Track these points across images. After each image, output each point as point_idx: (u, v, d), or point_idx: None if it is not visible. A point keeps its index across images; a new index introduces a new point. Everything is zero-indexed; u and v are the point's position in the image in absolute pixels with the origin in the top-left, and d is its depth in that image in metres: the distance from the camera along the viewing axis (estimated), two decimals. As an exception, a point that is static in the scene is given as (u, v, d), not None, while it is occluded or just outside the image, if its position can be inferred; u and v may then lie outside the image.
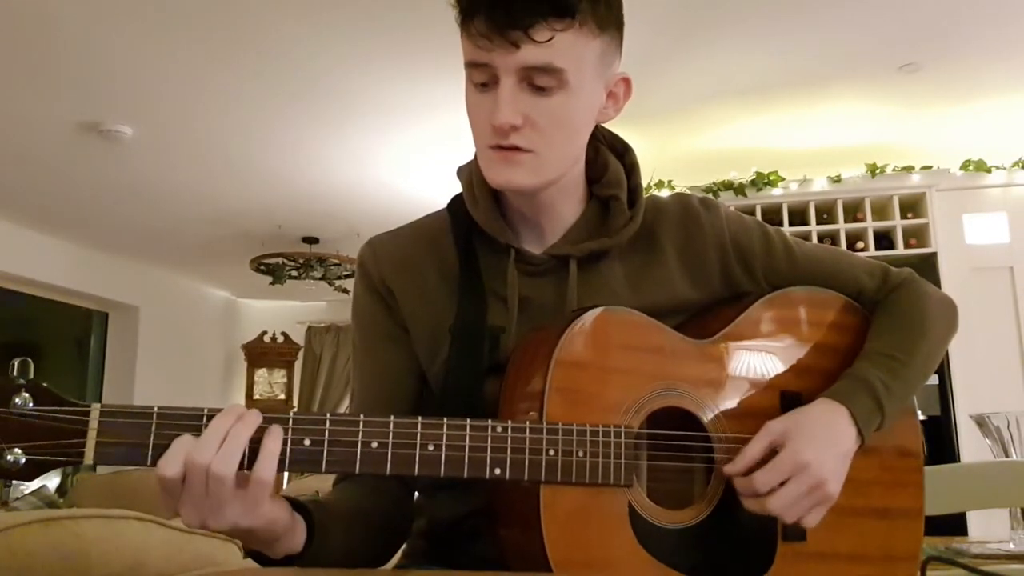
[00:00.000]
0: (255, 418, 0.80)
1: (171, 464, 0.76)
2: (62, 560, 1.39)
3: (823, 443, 0.94)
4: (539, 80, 0.93)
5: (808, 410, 0.97)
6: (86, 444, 0.76)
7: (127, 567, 1.52)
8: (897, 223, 4.39)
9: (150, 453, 0.77)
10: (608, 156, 1.10)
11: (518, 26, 0.89)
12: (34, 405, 0.75)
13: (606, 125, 1.13)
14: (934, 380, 4.16)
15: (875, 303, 1.12)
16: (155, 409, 0.78)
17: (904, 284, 1.13)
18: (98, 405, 0.76)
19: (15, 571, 1.28)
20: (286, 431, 0.81)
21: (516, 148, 0.95)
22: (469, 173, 1.08)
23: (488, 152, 0.97)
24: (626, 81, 1.04)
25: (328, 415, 0.83)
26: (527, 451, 0.86)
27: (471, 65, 0.95)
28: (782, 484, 0.91)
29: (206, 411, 0.79)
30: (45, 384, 0.77)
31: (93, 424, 0.76)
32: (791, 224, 4.47)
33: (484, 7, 0.91)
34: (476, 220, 1.06)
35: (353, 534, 0.95)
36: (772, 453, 0.94)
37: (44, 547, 1.36)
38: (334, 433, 0.82)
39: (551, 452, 0.87)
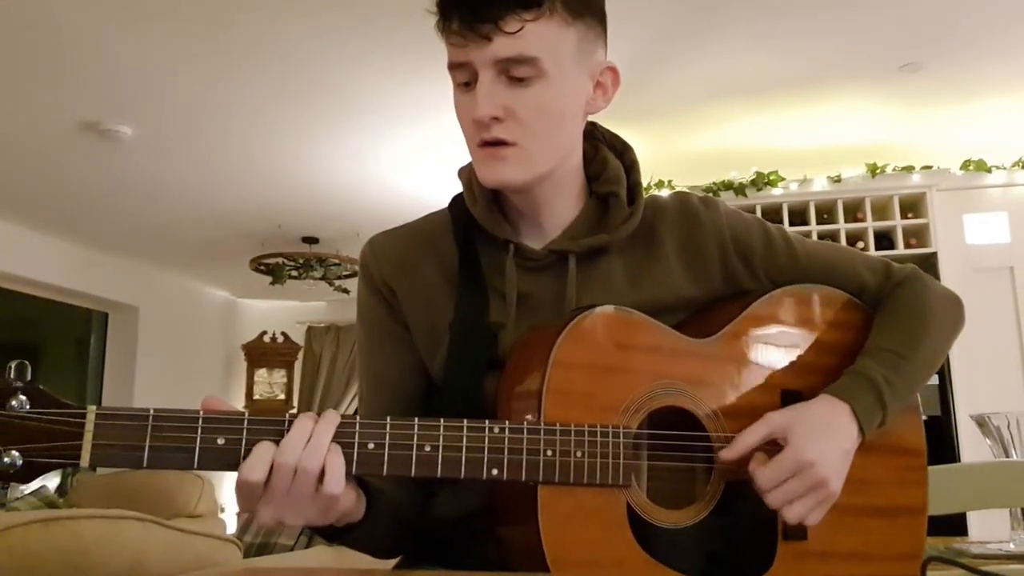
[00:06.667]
0: (334, 417, 0.83)
1: (255, 469, 0.79)
2: (62, 560, 1.38)
3: (825, 441, 0.94)
4: (516, 71, 0.95)
5: (810, 406, 0.97)
6: (82, 446, 0.76)
7: (127, 567, 1.51)
8: (897, 223, 4.38)
9: (146, 455, 0.78)
10: (607, 154, 1.11)
11: (488, 19, 0.93)
12: (31, 407, 0.76)
13: (603, 122, 1.13)
14: (934, 380, 4.15)
15: (878, 300, 1.11)
16: (151, 411, 0.78)
17: (907, 280, 1.12)
18: (94, 408, 0.77)
19: (15, 571, 1.27)
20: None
21: (501, 142, 0.97)
22: (468, 172, 1.09)
23: (477, 152, 0.99)
24: (613, 71, 1.05)
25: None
26: (524, 452, 0.87)
27: (452, 67, 0.98)
28: (784, 481, 0.92)
29: (201, 412, 0.80)
30: (42, 387, 0.77)
31: (89, 427, 0.77)
32: (791, 224, 4.45)
33: (456, 7, 0.95)
34: (476, 217, 1.07)
35: (395, 519, 0.99)
36: (770, 444, 0.94)
37: (44, 547, 1.35)
38: None
39: (549, 452, 0.87)
